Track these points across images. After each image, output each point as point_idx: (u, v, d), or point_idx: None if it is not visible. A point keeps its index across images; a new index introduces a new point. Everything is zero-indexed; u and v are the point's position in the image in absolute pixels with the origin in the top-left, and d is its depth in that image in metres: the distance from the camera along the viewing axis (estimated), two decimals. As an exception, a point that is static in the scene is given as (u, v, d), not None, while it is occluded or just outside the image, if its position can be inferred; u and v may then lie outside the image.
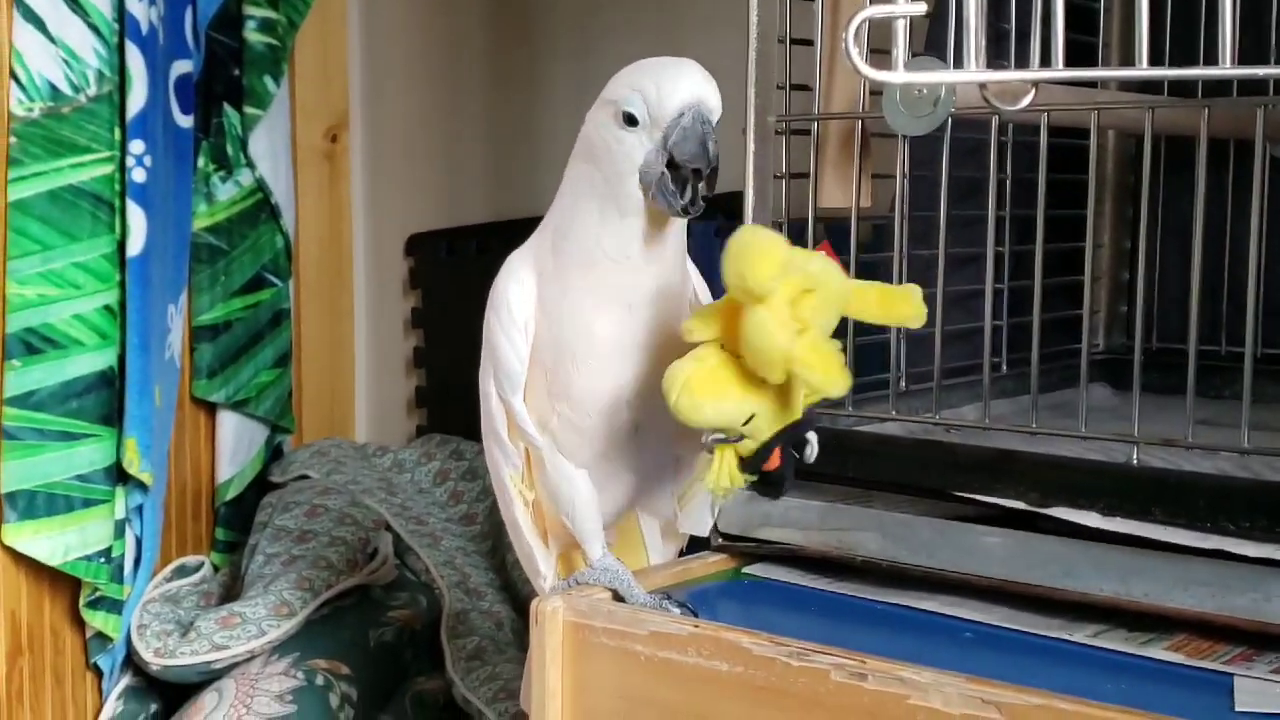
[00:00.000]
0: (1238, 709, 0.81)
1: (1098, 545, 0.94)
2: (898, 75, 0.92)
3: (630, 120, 0.92)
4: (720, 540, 1.11)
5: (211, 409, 1.86)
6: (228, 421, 1.86)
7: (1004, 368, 1.29)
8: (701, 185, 0.92)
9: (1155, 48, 0.89)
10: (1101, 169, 1.47)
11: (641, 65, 0.94)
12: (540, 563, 1.04)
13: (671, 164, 0.92)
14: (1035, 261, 1.05)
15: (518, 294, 0.97)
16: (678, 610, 0.97)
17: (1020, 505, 0.97)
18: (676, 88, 0.91)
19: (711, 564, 1.11)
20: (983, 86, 0.95)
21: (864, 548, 1.04)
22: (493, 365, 0.99)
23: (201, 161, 1.79)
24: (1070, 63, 0.94)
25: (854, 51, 0.89)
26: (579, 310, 0.96)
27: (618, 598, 1.00)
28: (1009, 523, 0.98)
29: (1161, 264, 1.42)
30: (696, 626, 0.94)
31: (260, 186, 1.85)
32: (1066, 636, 0.94)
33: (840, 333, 1.11)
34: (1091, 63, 1.26)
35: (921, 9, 0.91)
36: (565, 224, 0.97)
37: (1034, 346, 1.05)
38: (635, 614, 0.97)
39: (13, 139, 1.50)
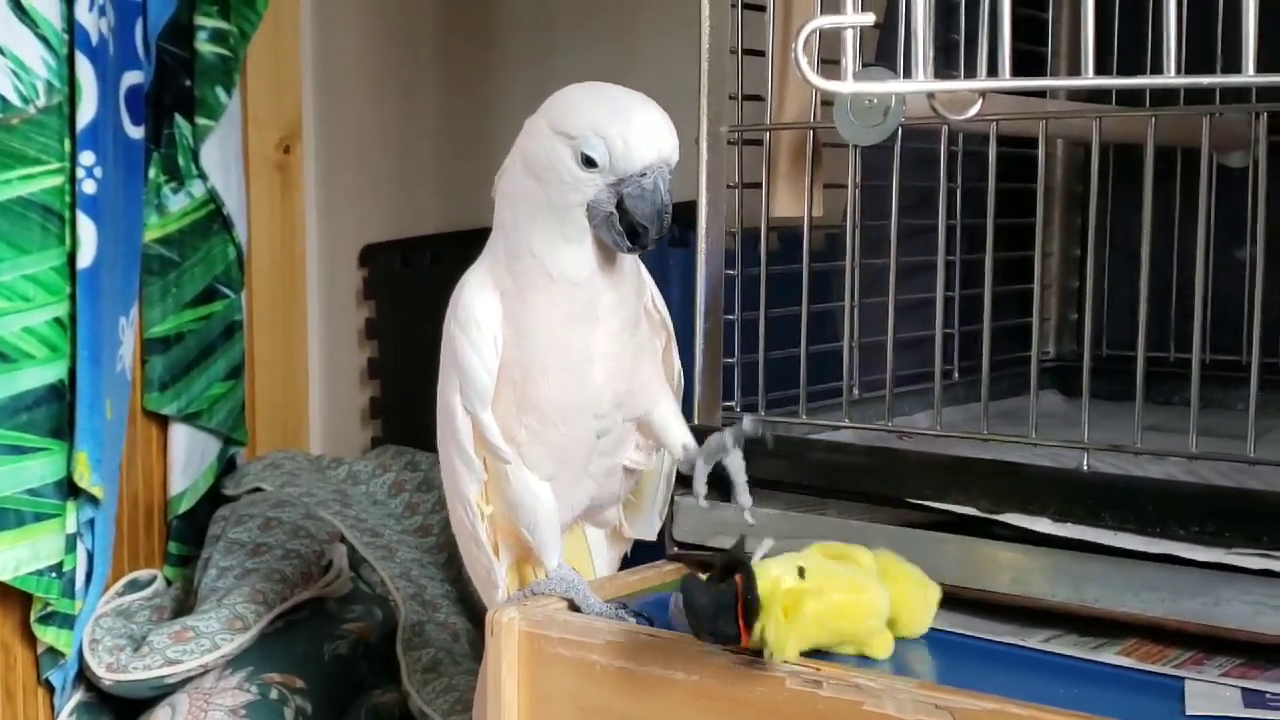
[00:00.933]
0: (1189, 712, 0.82)
1: (1049, 551, 0.95)
2: (846, 85, 0.93)
3: (589, 163, 0.93)
4: (675, 549, 1.12)
5: (164, 422, 1.84)
6: (180, 434, 1.84)
7: (956, 375, 1.31)
8: (651, 231, 0.93)
9: (1103, 58, 0.90)
10: (1051, 178, 1.48)
11: (605, 102, 0.94)
12: (496, 574, 1.04)
13: (621, 206, 0.93)
14: (985, 270, 1.06)
15: (485, 310, 0.98)
16: (633, 619, 0.97)
17: (972, 512, 0.98)
18: (643, 145, 0.92)
19: (667, 572, 1.11)
20: (931, 96, 0.96)
21: (818, 555, 1.04)
22: (459, 380, 0.99)
23: (153, 173, 1.77)
24: (1019, 72, 0.95)
25: (803, 61, 0.90)
26: (548, 326, 0.97)
27: (573, 607, 1.00)
28: (961, 529, 0.99)
29: (1111, 272, 1.43)
30: (652, 635, 0.94)
31: (212, 197, 1.84)
32: (1019, 642, 0.95)
33: (792, 340, 1.13)
34: (1040, 72, 1.27)
35: (870, 19, 0.92)
36: (515, 245, 0.97)
37: (984, 354, 1.06)
38: (591, 623, 0.97)
39: (-39, 151, 1.49)
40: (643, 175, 0.92)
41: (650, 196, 0.92)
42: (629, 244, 0.94)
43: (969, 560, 0.98)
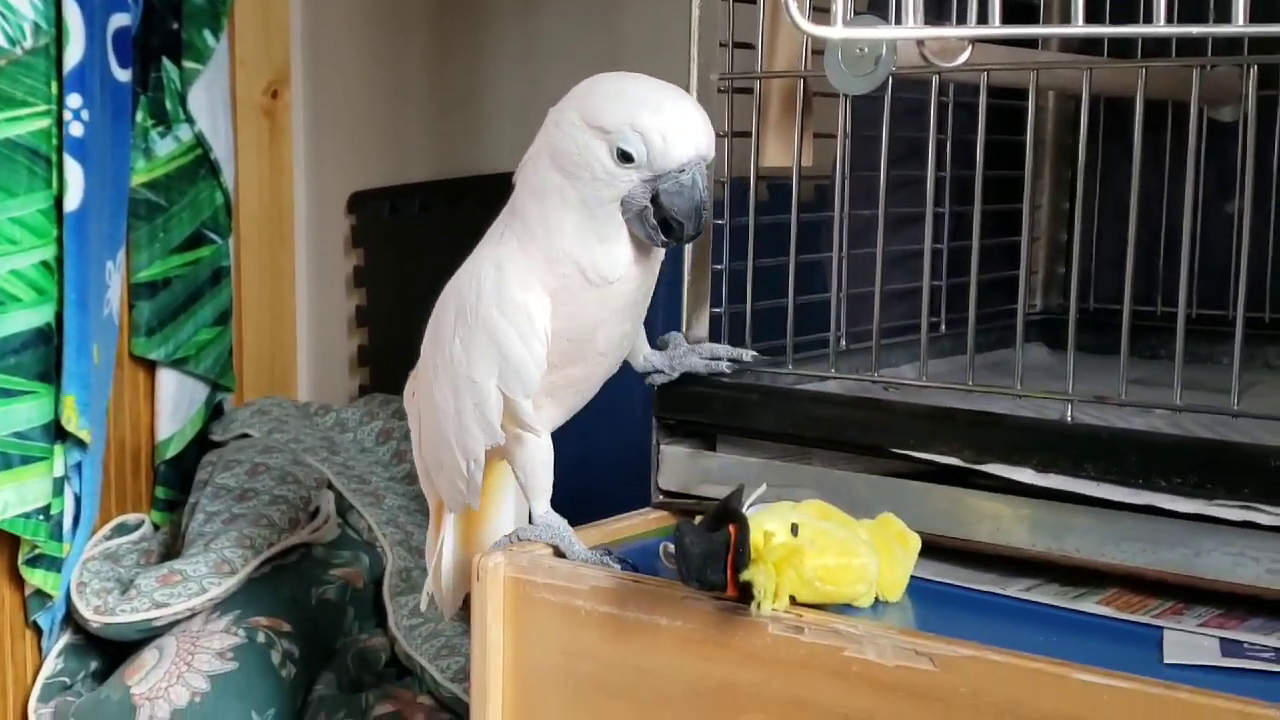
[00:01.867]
0: (1166, 661, 0.83)
1: (1031, 501, 0.96)
2: (836, 31, 0.92)
3: (625, 158, 0.92)
4: (660, 497, 1.12)
5: (151, 367, 1.84)
6: (167, 379, 1.84)
7: (943, 327, 1.31)
8: (688, 227, 0.93)
9: (1094, 8, 0.89)
10: (1041, 130, 1.48)
11: (641, 96, 0.93)
12: (471, 503, 1.06)
13: (656, 201, 0.93)
14: (974, 222, 1.06)
15: (538, 308, 0.97)
16: (618, 566, 0.98)
17: (955, 462, 0.98)
18: (682, 141, 0.92)
19: (651, 520, 1.12)
20: (921, 43, 0.96)
21: (802, 504, 1.05)
22: (499, 366, 0.98)
23: (140, 116, 1.76)
24: (1010, 21, 0.94)
25: (794, 7, 0.89)
26: (595, 320, 0.99)
27: (558, 554, 1.01)
28: (944, 479, 1.00)
29: (1099, 225, 1.44)
30: (636, 581, 0.95)
31: (199, 142, 1.83)
32: (999, 591, 0.96)
33: (780, 290, 1.13)
34: (1032, 22, 1.27)
35: None
36: (550, 247, 0.96)
37: (971, 306, 1.06)
38: (576, 569, 0.97)
39: (-53, 92, 1.48)
40: (680, 171, 0.92)
41: (688, 193, 0.92)
42: (663, 238, 0.94)
43: (951, 510, 0.99)
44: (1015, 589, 0.96)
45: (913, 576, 0.97)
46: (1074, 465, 0.94)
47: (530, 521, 1.04)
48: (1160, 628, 0.89)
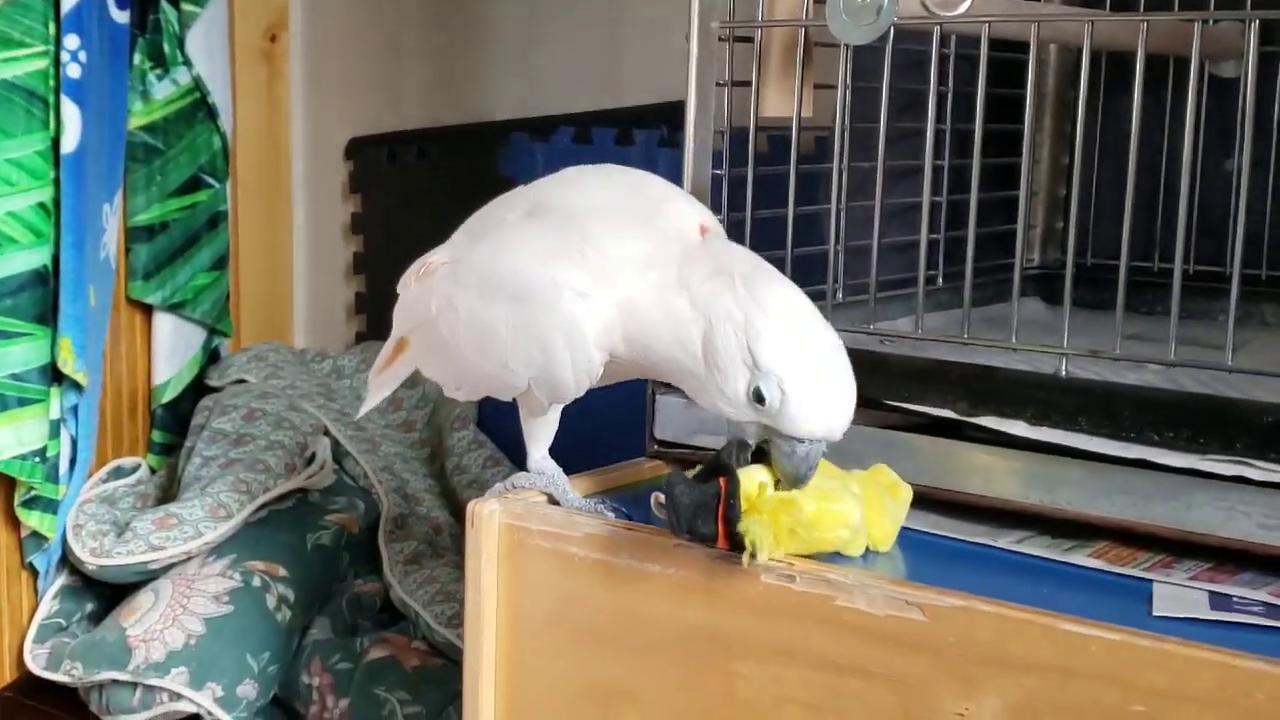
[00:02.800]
0: (1156, 614, 0.84)
1: (1024, 454, 0.96)
2: None
3: (759, 398, 0.86)
4: (656, 447, 1.13)
5: (148, 311, 1.84)
6: (164, 324, 1.85)
7: (940, 281, 1.31)
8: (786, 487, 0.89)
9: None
10: (1042, 84, 1.47)
11: (808, 354, 0.86)
12: None
13: (760, 449, 0.89)
14: (973, 175, 1.06)
15: (596, 364, 0.93)
16: (611, 514, 0.98)
17: (949, 414, 0.99)
18: (817, 418, 0.86)
19: (646, 469, 1.12)
20: (923, -3, 0.95)
21: (796, 454, 1.05)
22: (540, 374, 0.94)
23: (138, 59, 1.76)
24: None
25: None
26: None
27: (553, 501, 1.01)
28: (938, 431, 1.00)
29: (1098, 180, 1.43)
30: (629, 529, 0.95)
31: (197, 85, 1.82)
32: (990, 542, 0.96)
33: (778, 241, 1.13)
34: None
35: None
36: (638, 344, 0.92)
37: (968, 259, 1.06)
38: (570, 517, 0.98)
39: (-56, 32, 1.47)
40: (800, 441, 0.87)
41: (798, 462, 0.88)
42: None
43: (944, 462, 0.99)
44: (1006, 541, 0.96)
45: (904, 528, 0.97)
46: (1067, 419, 0.94)
47: (525, 468, 1.04)
48: (1150, 581, 0.89)
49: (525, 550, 0.99)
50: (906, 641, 0.84)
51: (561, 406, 1.02)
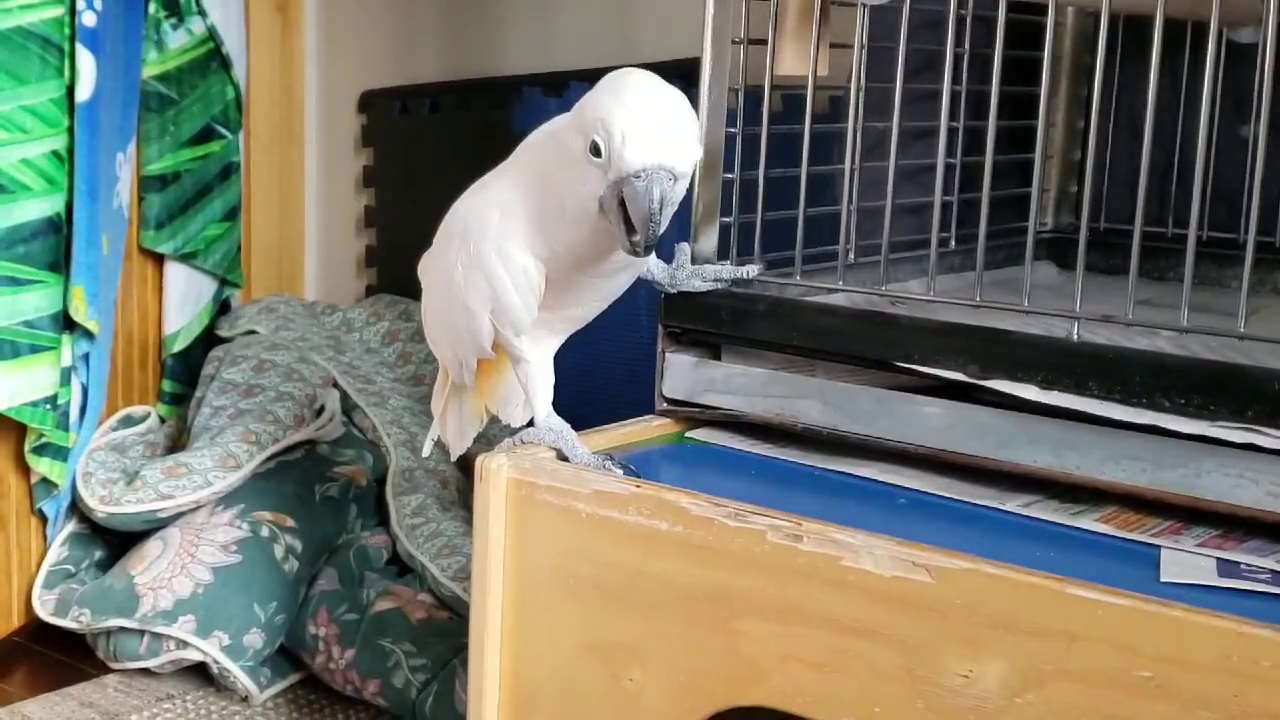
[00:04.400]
0: (1163, 579, 0.84)
1: (1034, 418, 0.96)
2: None
3: (595, 150, 0.90)
4: (665, 404, 1.13)
5: (159, 260, 1.84)
6: (176, 273, 1.85)
7: (953, 243, 1.30)
8: (639, 236, 0.90)
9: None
10: (1059, 47, 1.46)
11: (626, 95, 0.90)
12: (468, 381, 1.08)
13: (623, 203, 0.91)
14: (988, 137, 1.05)
15: (534, 268, 0.97)
16: (620, 471, 0.98)
17: (959, 377, 0.98)
18: (639, 146, 0.89)
19: (655, 427, 1.13)
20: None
21: (805, 415, 1.05)
22: (494, 306, 0.99)
23: (153, 8, 1.75)
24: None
25: None
26: (587, 283, 1.00)
27: (561, 457, 1.02)
28: (948, 394, 1.00)
29: (1113, 145, 1.42)
30: (638, 486, 0.95)
31: (211, 35, 1.81)
32: (999, 506, 0.97)
33: (790, 201, 1.13)
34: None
35: None
36: (538, 218, 0.97)
37: (981, 222, 1.05)
38: (578, 473, 0.98)
39: (-43, -23, 1.46)
40: (637, 176, 0.89)
41: (641, 199, 0.89)
42: (629, 244, 0.91)
43: (954, 425, 0.99)
44: (1015, 504, 0.97)
45: (913, 490, 0.97)
46: (1078, 383, 0.94)
47: (533, 424, 1.04)
48: (1158, 546, 0.89)
49: (533, 505, 0.99)
50: (912, 603, 0.84)
51: (551, 355, 1.04)
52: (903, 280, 1.23)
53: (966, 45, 1.26)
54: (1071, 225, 1.51)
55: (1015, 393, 0.96)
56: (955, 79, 1.19)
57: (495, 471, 1.00)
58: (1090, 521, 0.93)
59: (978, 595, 0.82)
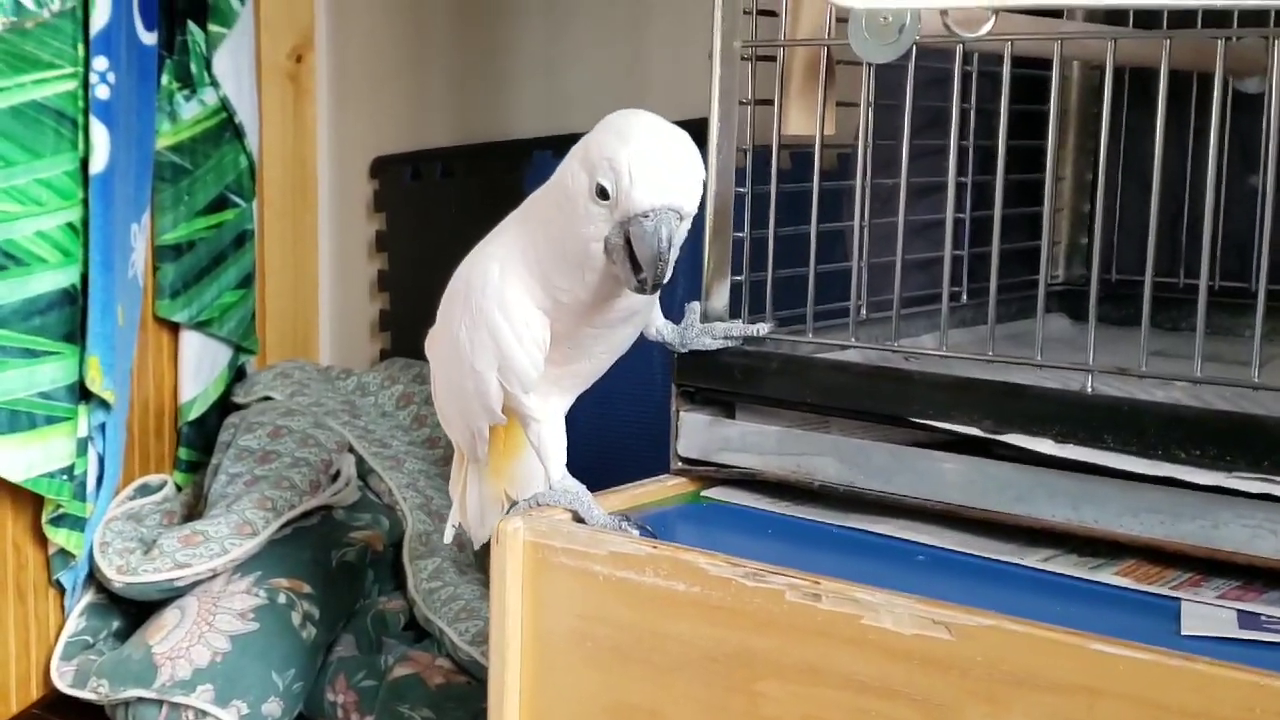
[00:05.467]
0: (1184, 633, 0.83)
1: (1050, 471, 0.96)
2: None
3: (601, 193, 0.91)
4: (680, 464, 1.13)
5: (175, 329, 1.85)
6: (191, 342, 1.86)
7: (964, 297, 1.31)
8: (647, 274, 0.91)
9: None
10: (1066, 100, 1.47)
11: (631, 134, 0.91)
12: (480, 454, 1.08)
13: (630, 245, 0.91)
14: (995, 192, 1.06)
15: (538, 321, 0.98)
16: (636, 531, 0.98)
17: (975, 431, 0.98)
18: (649, 185, 0.89)
19: (670, 487, 1.12)
20: (944, 12, 0.95)
21: (821, 473, 1.05)
22: (500, 363, 0.99)
23: (165, 79, 1.77)
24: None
25: None
26: (592, 334, 1.00)
27: (577, 519, 1.01)
28: (964, 449, 1.00)
29: (1123, 197, 1.43)
30: (654, 547, 0.95)
31: (224, 106, 1.83)
32: (1018, 561, 0.96)
33: (802, 259, 1.13)
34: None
35: None
36: (541, 269, 0.97)
37: (992, 276, 1.06)
38: (594, 534, 0.98)
39: (-25, 54, 1.48)
40: (645, 216, 0.90)
41: (649, 239, 0.89)
42: (636, 281, 0.92)
43: (970, 480, 0.99)
44: (1033, 559, 0.96)
45: (931, 546, 0.97)
46: (1093, 436, 0.94)
47: (549, 486, 1.04)
48: (1178, 599, 0.89)
49: (550, 568, 0.99)
50: (933, 661, 0.83)
51: (563, 414, 1.04)
52: (915, 335, 1.23)
53: (973, 100, 1.27)
54: (1083, 277, 1.51)
55: (1031, 447, 0.96)
56: (963, 134, 1.20)
57: (511, 535, 1.00)
58: (1109, 575, 0.93)
59: (998, 652, 0.81)
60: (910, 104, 1.07)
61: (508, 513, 1.06)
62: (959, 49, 1.06)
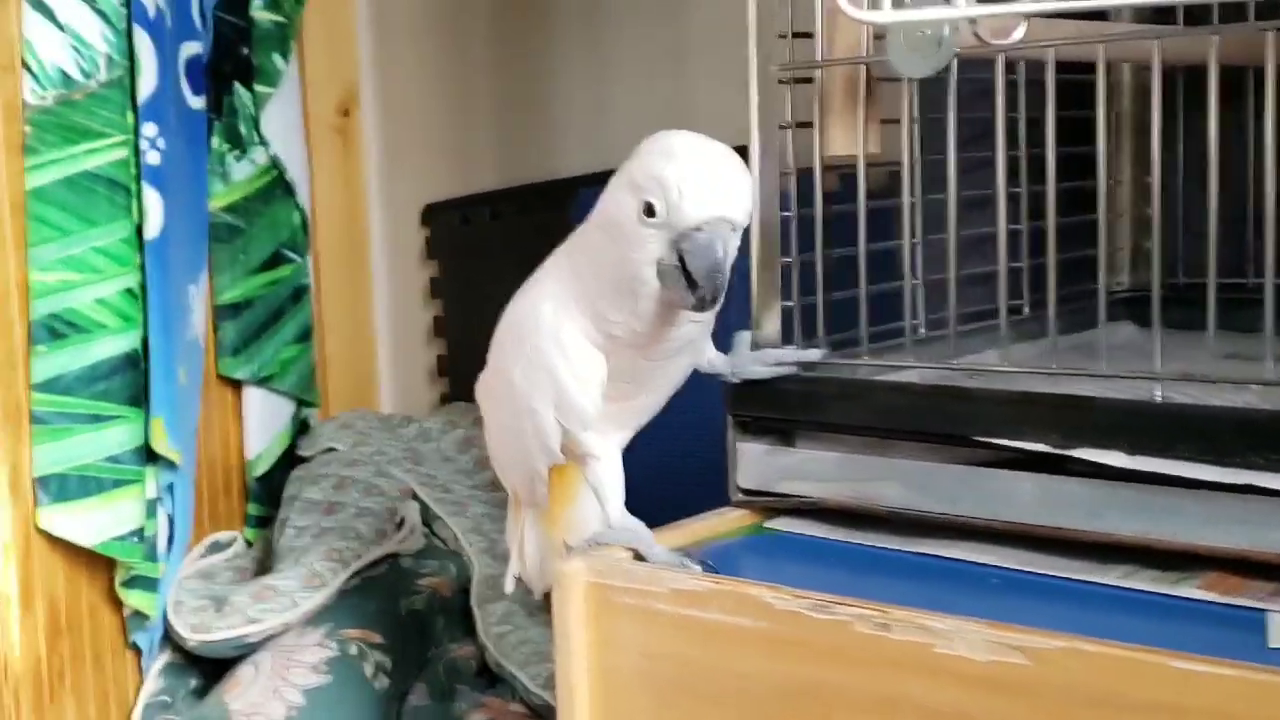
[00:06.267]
0: (1271, 645, 0.80)
1: (1124, 485, 0.93)
2: (883, 15, 0.90)
3: (650, 211, 0.90)
4: (740, 495, 1.11)
5: (238, 386, 1.86)
6: (254, 398, 1.86)
7: (1026, 310, 1.28)
8: (704, 289, 0.90)
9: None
10: (1117, 103, 1.44)
11: (676, 150, 0.90)
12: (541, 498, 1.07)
13: (683, 263, 0.90)
14: (1048, 201, 1.04)
15: (596, 361, 0.97)
16: (698, 567, 0.97)
17: (1043, 448, 0.96)
18: (700, 198, 0.89)
19: (732, 519, 1.11)
20: (972, 21, 0.93)
21: (884, 498, 1.03)
22: (558, 402, 0.99)
23: (215, 141, 1.79)
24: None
25: None
26: (648, 367, 1.00)
27: (639, 557, 1.00)
28: (1032, 466, 0.97)
29: (1184, 197, 1.39)
30: (716, 582, 0.93)
31: (275, 164, 1.85)
32: (1095, 579, 0.93)
33: (851, 279, 1.11)
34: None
35: None
36: (590, 303, 0.96)
37: (1050, 287, 1.03)
38: (655, 573, 0.96)
39: (28, 128, 1.50)
40: (698, 230, 0.89)
41: (704, 251, 0.89)
42: (693, 300, 0.90)
43: (1041, 498, 0.96)
44: (1111, 577, 0.93)
45: (1003, 568, 0.94)
46: (1165, 446, 0.91)
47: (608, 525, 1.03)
48: (1264, 611, 0.85)
49: (612, 608, 0.97)
50: (1009, 687, 0.81)
51: (620, 450, 1.02)
52: (977, 351, 1.20)
53: (1022, 109, 1.24)
54: (1149, 282, 1.47)
55: (1101, 460, 0.93)
56: (1013, 144, 1.18)
57: (572, 576, 0.99)
58: (1191, 589, 0.90)
59: (1077, 675, 0.79)
60: (954, 117, 1.05)
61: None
62: (1000, 58, 1.04)
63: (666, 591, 0.95)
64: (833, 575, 1.00)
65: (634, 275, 0.93)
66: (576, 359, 0.97)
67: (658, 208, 0.89)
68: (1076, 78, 1.18)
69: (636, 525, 1.01)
